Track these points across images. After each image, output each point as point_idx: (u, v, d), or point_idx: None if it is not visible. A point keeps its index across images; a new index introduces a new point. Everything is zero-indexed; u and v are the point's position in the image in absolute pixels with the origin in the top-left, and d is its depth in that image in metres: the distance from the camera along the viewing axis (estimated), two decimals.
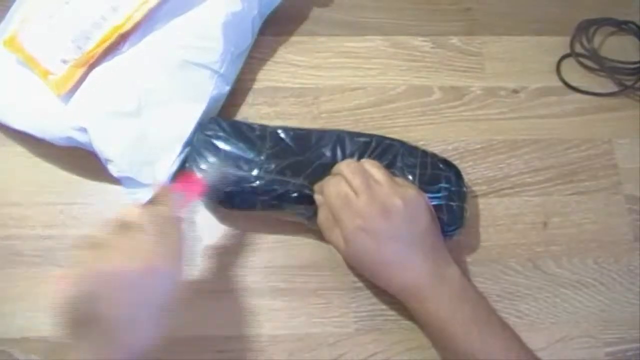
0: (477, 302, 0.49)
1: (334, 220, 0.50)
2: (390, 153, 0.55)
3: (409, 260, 0.49)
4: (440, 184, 0.54)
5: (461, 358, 0.47)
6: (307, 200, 0.53)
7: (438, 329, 0.48)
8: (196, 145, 0.54)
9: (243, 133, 0.55)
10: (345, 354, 0.53)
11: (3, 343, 0.53)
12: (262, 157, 0.54)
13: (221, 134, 0.55)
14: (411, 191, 0.50)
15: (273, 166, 0.53)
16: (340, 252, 0.51)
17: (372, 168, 0.51)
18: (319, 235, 0.54)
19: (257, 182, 0.53)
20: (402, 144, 0.56)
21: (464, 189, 0.55)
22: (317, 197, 0.52)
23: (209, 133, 0.55)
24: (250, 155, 0.54)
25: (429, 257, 0.49)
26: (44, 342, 0.53)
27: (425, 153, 0.56)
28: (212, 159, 0.54)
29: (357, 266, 0.53)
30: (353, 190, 0.49)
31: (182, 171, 0.54)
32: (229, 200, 0.54)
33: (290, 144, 0.55)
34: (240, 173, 0.53)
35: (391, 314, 0.55)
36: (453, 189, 0.54)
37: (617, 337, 0.55)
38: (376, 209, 0.48)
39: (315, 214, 0.53)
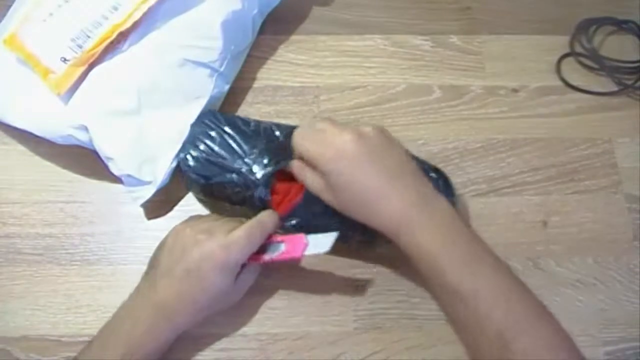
0: (470, 238, 0.47)
1: (309, 166, 0.49)
2: None
3: (393, 188, 0.47)
4: None
5: (450, 294, 0.45)
6: None
7: (428, 263, 0.46)
8: (191, 135, 0.55)
9: (238, 127, 0.55)
10: (344, 353, 0.53)
11: (2, 341, 0.53)
12: (256, 151, 0.54)
13: (217, 125, 0.55)
14: (377, 128, 0.50)
15: (266, 161, 0.54)
16: (323, 196, 0.49)
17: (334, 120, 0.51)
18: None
19: (247, 173, 0.53)
20: None
21: (453, 198, 0.54)
22: (293, 163, 0.51)
23: (205, 124, 0.55)
24: (244, 148, 0.54)
25: (411, 186, 0.47)
26: (44, 340, 0.53)
27: (416, 160, 0.55)
28: (205, 148, 0.54)
29: (342, 202, 0.48)
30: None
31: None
32: (219, 190, 0.54)
33: (284, 142, 0.55)
34: (233, 165, 0.53)
35: (390, 312, 0.55)
36: None
37: (617, 336, 0.55)
38: (350, 136, 0.48)
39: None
